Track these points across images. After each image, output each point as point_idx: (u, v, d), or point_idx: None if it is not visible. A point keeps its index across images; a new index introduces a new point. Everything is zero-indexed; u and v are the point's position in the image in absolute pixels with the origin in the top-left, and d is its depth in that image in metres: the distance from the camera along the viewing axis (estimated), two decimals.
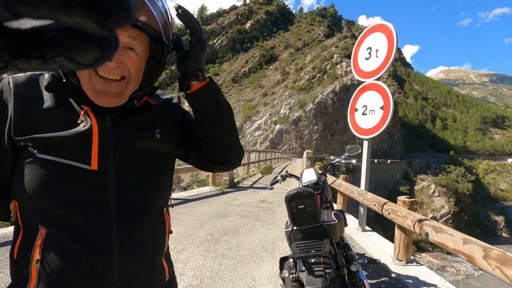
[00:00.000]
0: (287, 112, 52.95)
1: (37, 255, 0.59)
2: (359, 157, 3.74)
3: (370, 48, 4.21)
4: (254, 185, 8.45)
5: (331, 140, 50.50)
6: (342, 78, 58.86)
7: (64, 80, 0.63)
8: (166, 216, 0.76)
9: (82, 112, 0.63)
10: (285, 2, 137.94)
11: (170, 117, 0.77)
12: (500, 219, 44.67)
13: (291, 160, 30.76)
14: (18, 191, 0.62)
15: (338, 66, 66.07)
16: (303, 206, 1.46)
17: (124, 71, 0.62)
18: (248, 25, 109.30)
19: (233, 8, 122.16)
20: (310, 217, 1.48)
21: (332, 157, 2.47)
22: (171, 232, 0.78)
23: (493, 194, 52.38)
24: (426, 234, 2.31)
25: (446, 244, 2.08)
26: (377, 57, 4.10)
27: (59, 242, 0.60)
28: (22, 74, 0.66)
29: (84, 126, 0.62)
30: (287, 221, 1.74)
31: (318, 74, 66.21)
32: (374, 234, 4.14)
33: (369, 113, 4.16)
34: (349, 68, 62.27)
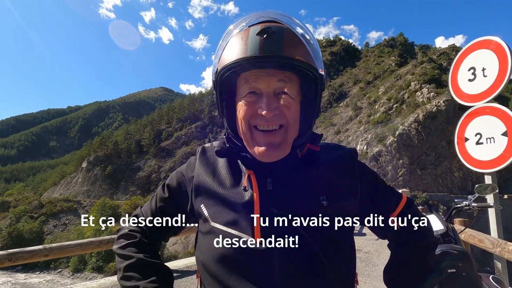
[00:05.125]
0: (365, 148, 49.68)
1: None
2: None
3: (473, 68, 3.67)
4: None
5: (421, 175, 44.34)
6: (425, 105, 53.26)
7: (228, 145, 0.69)
8: None
9: (245, 177, 0.65)
10: (349, 40, 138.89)
11: (343, 182, 0.68)
12: None
13: None
14: (199, 255, 0.68)
15: (418, 93, 60.56)
16: (454, 271, 1.14)
17: (281, 119, 0.60)
18: None
19: None
20: (466, 285, 1.14)
21: (456, 200, 2.04)
22: None
23: None
24: None
25: None
26: (485, 76, 3.53)
27: None
28: (210, 144, 0.77)
29: (246, 193, 0.63)
30: None
31: (395, 105, 61.68)
32: None
33: (487, 141, 3.46)
34: (432, 93, 56.44)
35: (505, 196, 34.16)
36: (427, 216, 1.92)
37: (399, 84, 68.88)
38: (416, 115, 50.44)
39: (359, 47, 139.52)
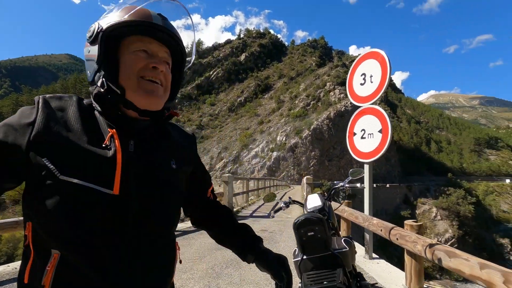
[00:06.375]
0: (284, 139, 53.29)
1: (49, 280, 0.59)
2: (361, 181, 3.69)
3: (364, 74, 4.32)
4: (254, 214, 8.23)
5: (328, 166, 50.39)
6: (336, 104, 60.15)
7: (106, 89, 0.65)
8: (177, 245, 0.79)
9: (108, 136, 0.64)
10: (277, 35, 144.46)
11: (186, 152, 0.83)
12: (505, 241, 43.59)
13: (290, 187, 30.38)
14: (35, 212, 0.60)
15: (331, 93, 67.83)
16: (312, 233, 1.39)
17: (164, 79, 0.70)
18: (242, 57, 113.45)
19: (228, 42, 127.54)
20: (321, 245, 1.41)
21: (335, 182, 2.41)
22: (180, 261, 0.80)
23: (495, 216, 51.50)
24: (439, 259, 2.20)
25: (462, 270, 1.97)
26: (371, 82, 4.20)
27: (72, 266, 0.59)
28: (53, 95, 0.68)
29: (109, 150, 0.63)
30: (295, 250, 1.65)
31: (313, 102, 67.72)
32: (382, 261, 3.97)
33: (368, 136, 4.18)
34: (342, 95, 64.03)
35: (388, 186, 42.02)
36: (310, 195, 2.24)
37: (317, 83, 75.75)
38: (328, 112, 56.63)
39: (286, 43, 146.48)
